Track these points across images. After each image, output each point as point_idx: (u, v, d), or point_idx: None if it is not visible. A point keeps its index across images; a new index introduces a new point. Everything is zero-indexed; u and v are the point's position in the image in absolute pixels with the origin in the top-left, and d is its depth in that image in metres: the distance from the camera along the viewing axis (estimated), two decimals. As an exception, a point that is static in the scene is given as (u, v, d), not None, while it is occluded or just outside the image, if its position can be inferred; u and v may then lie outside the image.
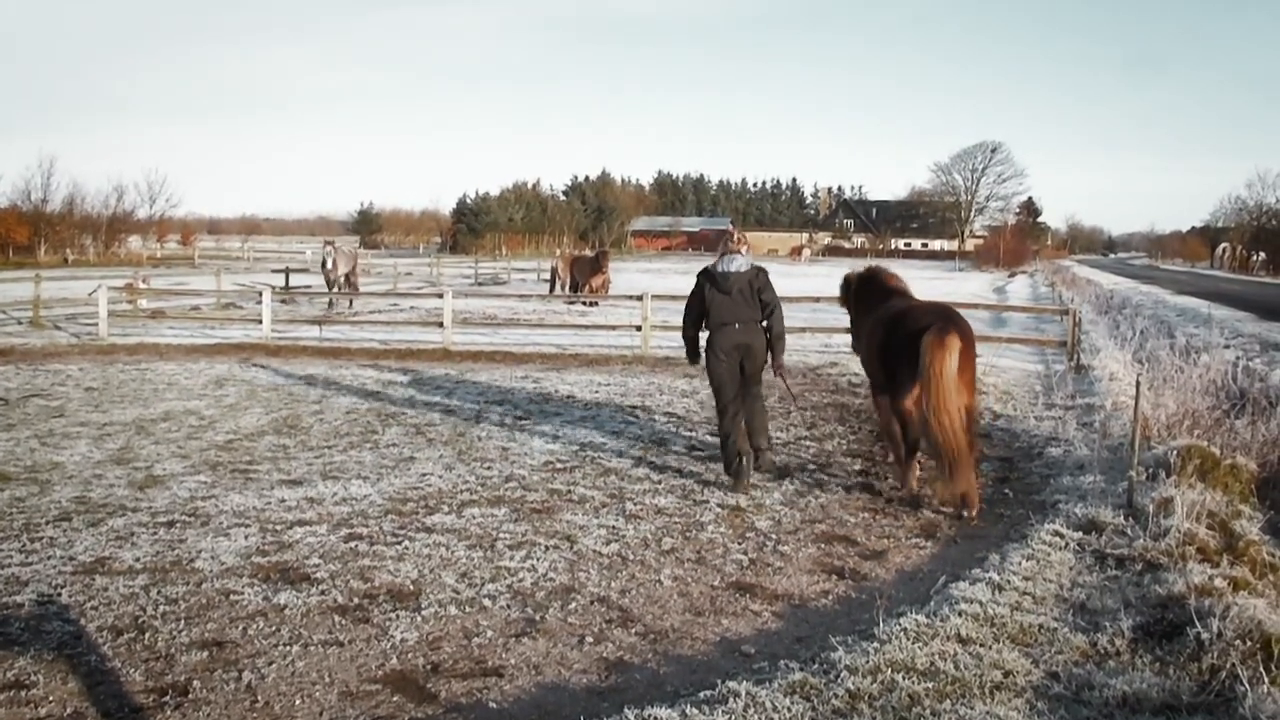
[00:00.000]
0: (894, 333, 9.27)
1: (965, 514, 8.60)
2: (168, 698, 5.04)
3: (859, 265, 12.00)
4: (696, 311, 9.86)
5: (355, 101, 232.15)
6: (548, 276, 38.71)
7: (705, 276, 9.82)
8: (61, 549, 7.31)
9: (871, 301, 10.49)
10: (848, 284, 11.14)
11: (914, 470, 9.35)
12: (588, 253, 39.70)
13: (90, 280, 32.35)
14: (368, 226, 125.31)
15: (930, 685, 4.94)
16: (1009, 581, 6.54)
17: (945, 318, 9.01)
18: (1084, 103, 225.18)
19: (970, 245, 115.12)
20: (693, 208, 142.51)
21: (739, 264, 9.73)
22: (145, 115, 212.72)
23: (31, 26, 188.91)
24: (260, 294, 24.11)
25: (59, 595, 6.38)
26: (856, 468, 10.53)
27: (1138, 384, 8.92)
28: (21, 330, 23.52)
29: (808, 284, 41.13)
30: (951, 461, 8.45)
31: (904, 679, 4.98)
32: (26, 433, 11.59)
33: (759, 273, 9.76)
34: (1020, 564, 6.93)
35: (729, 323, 9.59)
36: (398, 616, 6.14)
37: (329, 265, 30.17)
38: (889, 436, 9.77)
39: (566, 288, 33.58)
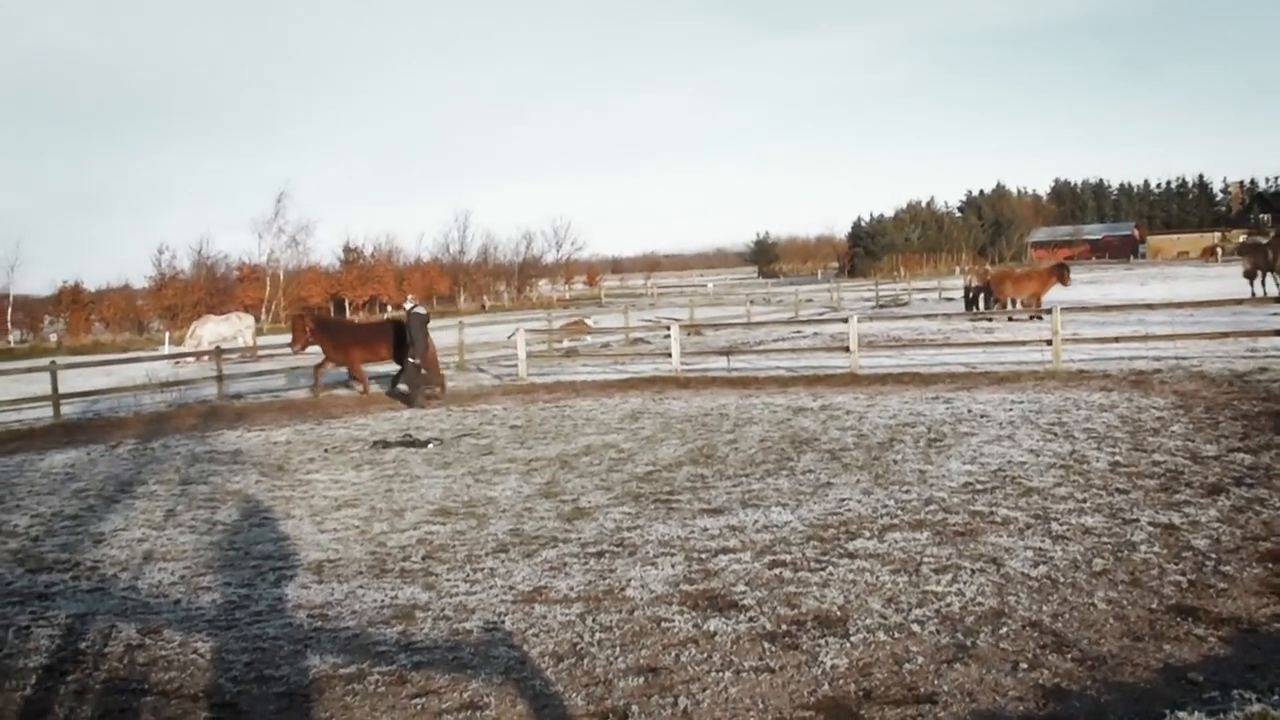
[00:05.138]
0: (397, 332, 21.77)
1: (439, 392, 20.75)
2: (609, 721, 5.37)
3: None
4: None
5: (747, 135, 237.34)
6: (954, 295, 38.28)
7: (413, 314, 20.46)
8: (501, 579, 7.99)
9: (341, 325, 26.92)
10: (316, 320, 23.36)
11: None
12: (1016, 267, 38.66)
13: (507, 325, 35.21)
14: (764, 256, 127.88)
15: None
16: None
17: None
18: None
19: None
20: (1093, 214, 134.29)
21: (421, 308, 21.01)
22: (548, 164, 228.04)
23: (441, 94, 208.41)
24: (668, 328, 25.19)
25: (502, 622, 6.97)
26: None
27: None
28: (449, 374, 25.86)
29: (1224, 286, 37.85)
30: (441, 376, 21.26)
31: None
32: (461, 470, 12.76)
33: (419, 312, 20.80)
34: None
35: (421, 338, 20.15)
36: (826, 643, 6.22)
37: None
38: (363, 378, 22.33)
39: (988, 304, 32.68)
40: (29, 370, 24.72)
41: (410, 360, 20.24)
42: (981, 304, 33.66)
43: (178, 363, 33.55)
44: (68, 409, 21.32)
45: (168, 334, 48.18)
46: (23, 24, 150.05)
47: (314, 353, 22.78)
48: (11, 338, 66.95)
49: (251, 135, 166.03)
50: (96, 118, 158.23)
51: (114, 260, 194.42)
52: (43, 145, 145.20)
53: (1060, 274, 31.31)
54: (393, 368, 22.29)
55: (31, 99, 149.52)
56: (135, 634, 7.16)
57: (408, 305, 21.19)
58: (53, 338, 66.94)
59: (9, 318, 69.01)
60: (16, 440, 18.05)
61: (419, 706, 5.68)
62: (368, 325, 25.52)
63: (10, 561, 9.46)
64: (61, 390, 21.14)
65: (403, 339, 21.23)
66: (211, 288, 73.26)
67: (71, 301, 72.52)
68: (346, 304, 78.96)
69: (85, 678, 6.38)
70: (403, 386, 20.85)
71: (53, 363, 22.81)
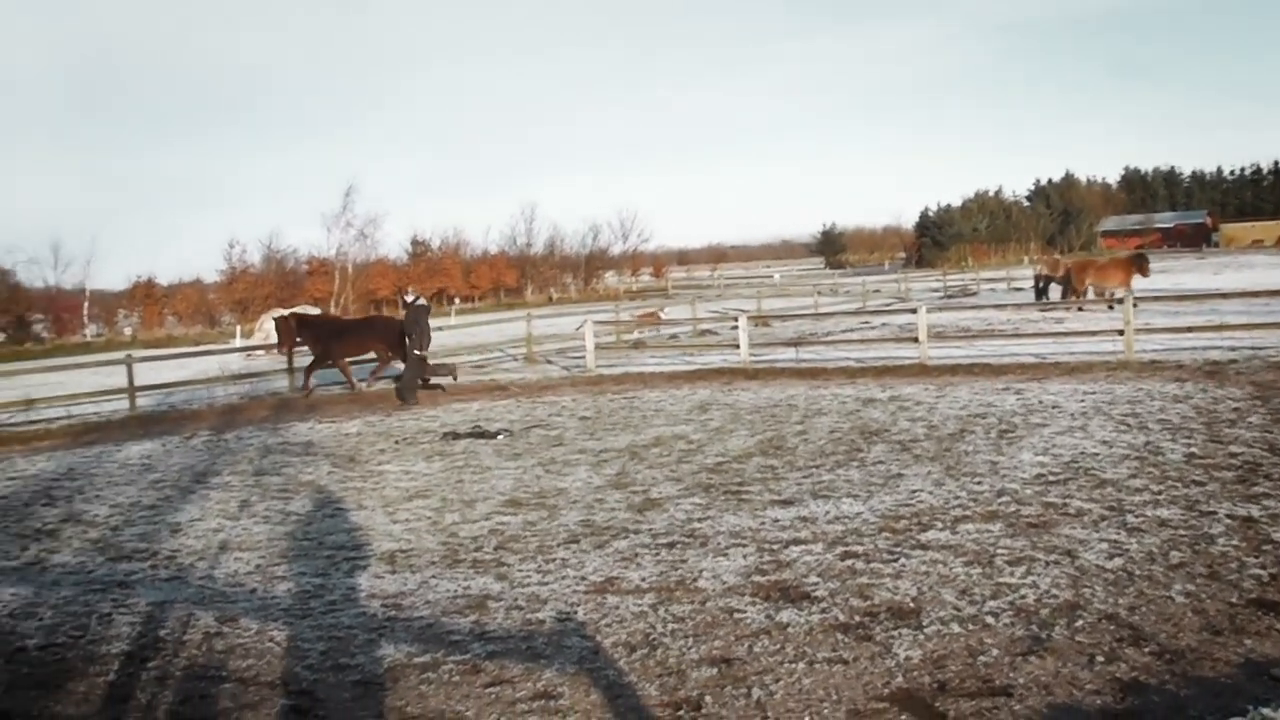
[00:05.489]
0: (387, 327, 22.53)
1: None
2: (682, 712, 5.38)
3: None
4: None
5: (813, 126, 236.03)
6: (1023, 285, 38.04)
7: (415, 306, 20.55)
8: (573, 569, 8.03)
9: (325, 322, 24.88)
10: (299, 320, 23.07)
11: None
12: (1097, 257, 38.33)
13: (574, 317, 35.34)
14: (831, 247, 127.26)
15: None
16: None
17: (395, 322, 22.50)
18: None
19: None
20: (1164, 202, 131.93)
21: (422, 300, 21.31)
22: (614, 156, 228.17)
23: (510, 86, 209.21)
24: (736, 320, 25.14)
25: (575, 613, 7.01)
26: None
27: None
28: (518, 366, 26.12)
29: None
30: (434, 372, 20.94)
31: None
32: (531, 461, 12.84)
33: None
34: None
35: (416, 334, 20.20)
36: (900, 634, 6.21)
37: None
38: (348, 372, 22.15)
39: (1065, 293, 32.22)
40: (106, 363, 25.22)
41: (413, 353, 20.41)
42: (1057, 294, 33.23)
43: (249, 355, 34.06)
44: (143, 401, 21.72)
45: (239, 327, 49.00)
46: (98, 24, 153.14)
47: (302, 352, 23.03)
48: (88, 331, 68.45)
49: (320, 130, 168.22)
50: (169, 115, 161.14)
51: (186, 255, 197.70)
52: (116, 142, 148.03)
53: (1140, 264, 30.85)
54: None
55: (105, 97, 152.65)
56: (213, 622, 7.30)
57: (408, 298, 21.33)
58: (127, 331, 68.46)
59: (86, 312, 70.55)
60: (95, 432, 18.46)
61: (493, 696, 5.73)
62: (353, 321, 25.29)
63: (91, 550, 9.68)
64: (137, 383, 21.57)
65: (389, 334, 21.83)
66: (281, 281, 74.42)
67: (145, 296, 74.14)
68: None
69: (165, 664, 6.52)
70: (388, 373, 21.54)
71: (128, 356, 23.26)
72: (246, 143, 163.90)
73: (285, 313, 25.95)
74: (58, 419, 20.41)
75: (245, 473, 13.30)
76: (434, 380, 20.98)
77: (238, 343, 41.25)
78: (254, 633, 7.04)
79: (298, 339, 22.42)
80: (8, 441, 17.86)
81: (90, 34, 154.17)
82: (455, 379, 21.00)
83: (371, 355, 22.61)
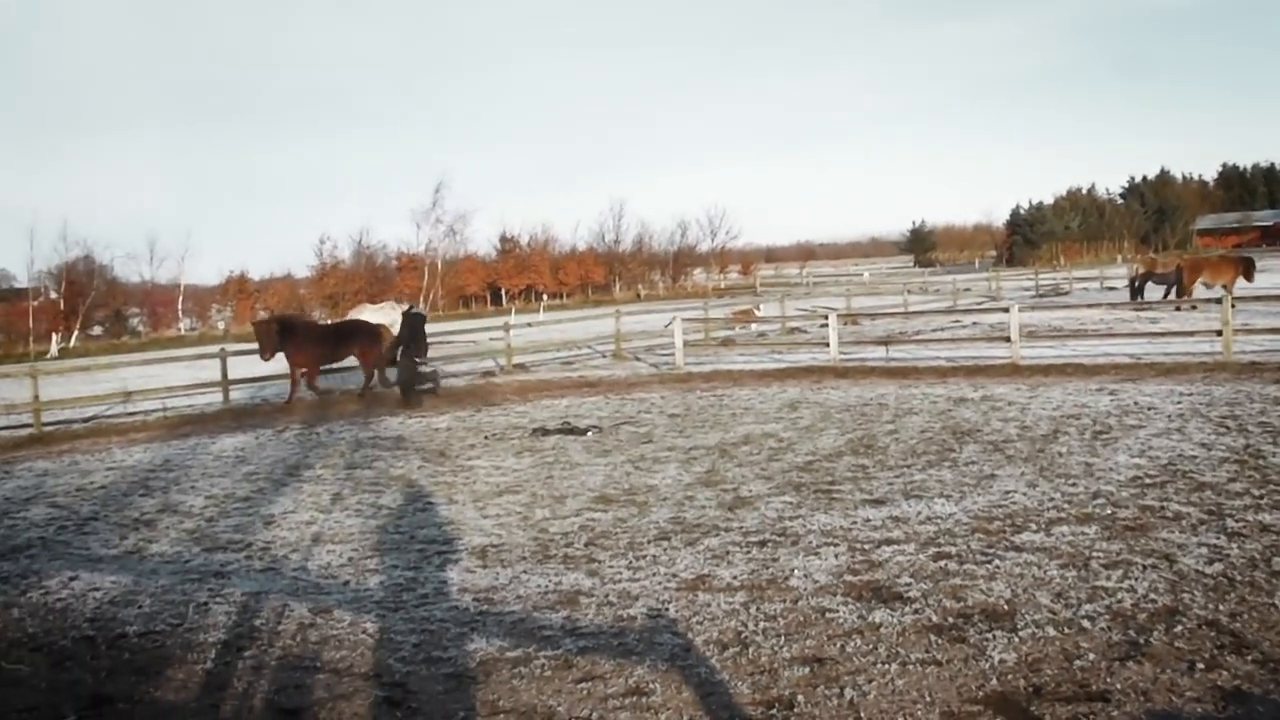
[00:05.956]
0: (361, 333, 22.63)
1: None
2: (774, 711, 5.37)
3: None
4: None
5: (903, 122, 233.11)
6: (1116, 284, 37.39)
7: (411, 314, 21.03)
8: (664, 566, 8.05)
9: (307, 327, 24.24)
10: (281, 324, 22.17)
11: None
12: (1210, 256, 37.76)
13: (662, 314, 35.37)
14: (920, 245, 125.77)
15: None
16: None
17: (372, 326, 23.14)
18: None
19: None
20: (1263, 200, 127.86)
21: (417, 309, 21.98)
22: (703, 153, 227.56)
23: (598, 82, 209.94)
24: (825, 317, 25.01)
25: (666, 610, 7.02)
26: None
27: None
28: (606, 363, 26.25)
29: None
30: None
31: None
32: (621, 458, 12.89)
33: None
34: None
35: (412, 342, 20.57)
36: (994, 637, 6.14)
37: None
38: (311, 384, 21.42)
39: (1177, 292, 31.65)
40: (200, 357, 25.81)
41: (401, 359, 20.65)
42: (1154, 294, 32.74)
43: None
44: (236, 395, 22.23)
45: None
46: (194, 24, 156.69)
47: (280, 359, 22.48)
48: (182, 326, 70.11)
49: (411, 127, 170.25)
50: (263, 112, 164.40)
51: (277, 250, 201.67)
52: (211, 139, 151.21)
53: (1247, 267, 30.66)
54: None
55: (201, 95, 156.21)
56: (307, 613, 7.44)
57: (403, 306, 21.98)
58: (220, 325, 69.95)
59: (180, 306, 72.27)
60: (190, 424, 18.91)
61: (585, 691, 5.77)
62: (333, 326, 24.82)
63: (188, 540, 9.92)
64: (230, 377, 22.04)
65: (369, 340, 22.14)
66: (371, 277, 75.60)
67: (238, 291, 75.75)
68: (503, 293, 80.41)
69: (261, 653, 6.67)
70: (382, 379, 21.70)
71: (223, 350, 23.80)
72: (338, 139, 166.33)
73: (268, 318, 25.99)
74: (154, 411, 20.96)
75: (337, 466, 13.53)
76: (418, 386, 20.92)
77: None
78: (347, 624, 7.16)
79: (280, 347, 21.50)
80: (107, 433, 18.40)
81: (187, 34, 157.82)
82: (437, 391, 20.95)
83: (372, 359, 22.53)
